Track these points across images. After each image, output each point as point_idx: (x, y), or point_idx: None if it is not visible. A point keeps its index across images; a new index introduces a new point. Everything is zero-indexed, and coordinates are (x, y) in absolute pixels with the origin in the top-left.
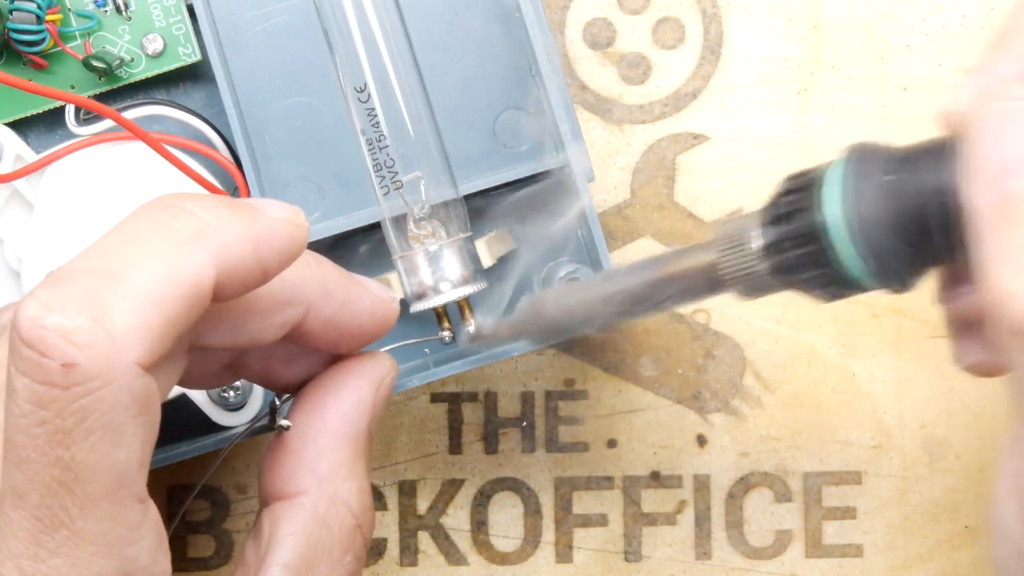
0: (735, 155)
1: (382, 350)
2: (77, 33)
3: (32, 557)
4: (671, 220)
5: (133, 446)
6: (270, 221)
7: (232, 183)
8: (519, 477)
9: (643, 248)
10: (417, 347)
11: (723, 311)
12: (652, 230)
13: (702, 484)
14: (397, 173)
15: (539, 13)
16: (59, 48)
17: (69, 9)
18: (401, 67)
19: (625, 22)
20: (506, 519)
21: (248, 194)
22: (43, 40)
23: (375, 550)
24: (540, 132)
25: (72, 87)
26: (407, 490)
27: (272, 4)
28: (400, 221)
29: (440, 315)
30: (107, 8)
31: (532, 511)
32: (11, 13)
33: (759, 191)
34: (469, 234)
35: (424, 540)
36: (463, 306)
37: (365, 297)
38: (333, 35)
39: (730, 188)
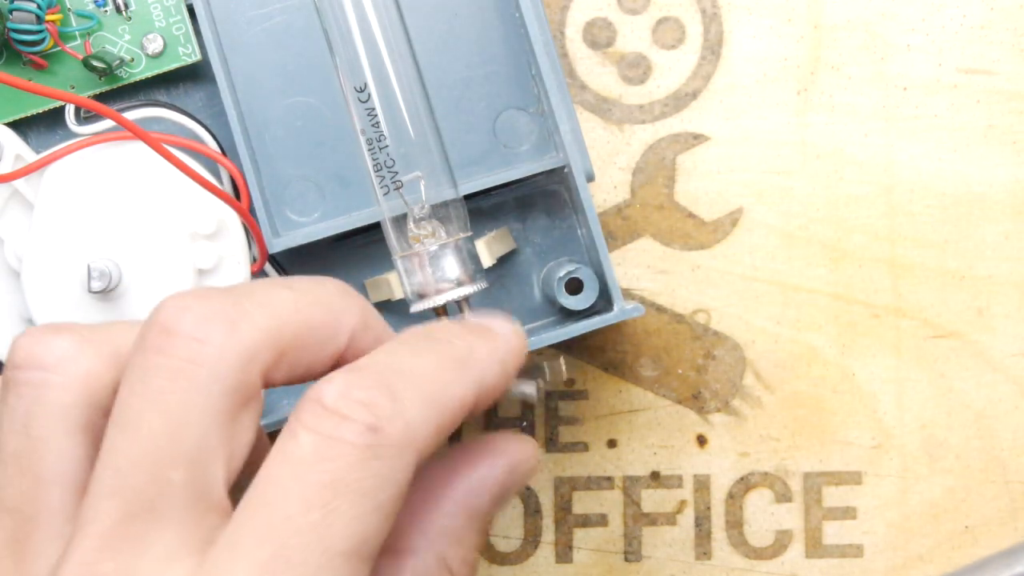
0: (735, 155)
1: None
2: (77, 33)
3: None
4: (671, 220)
5: (389, 519)
6: (507, 340)
7: (231, 183)
8: None
9: (643, 248)
10: None
11: (723, 311)
12: (652, 230)
13: (702, 484)
14: (397, 173)
15: (539, 13)
16: (59, 48)
17: (69, 9)
18: (401, 67)
19: (625, 22)
20: (506, 519)
21: (248, 195)
22: (43, 40)
23: None
24: (540, 132)
25: (72, 87)
26: None
27: (272, 4)
28: (400, 221)
29: (440, 315)
30: (107, 8)
31: (532, 511)
32: (11, 13)
33: (759, 191)
34: (469, 234)
35: None
36: (463, 306)
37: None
38: (333, 35)
39: (730, 188)
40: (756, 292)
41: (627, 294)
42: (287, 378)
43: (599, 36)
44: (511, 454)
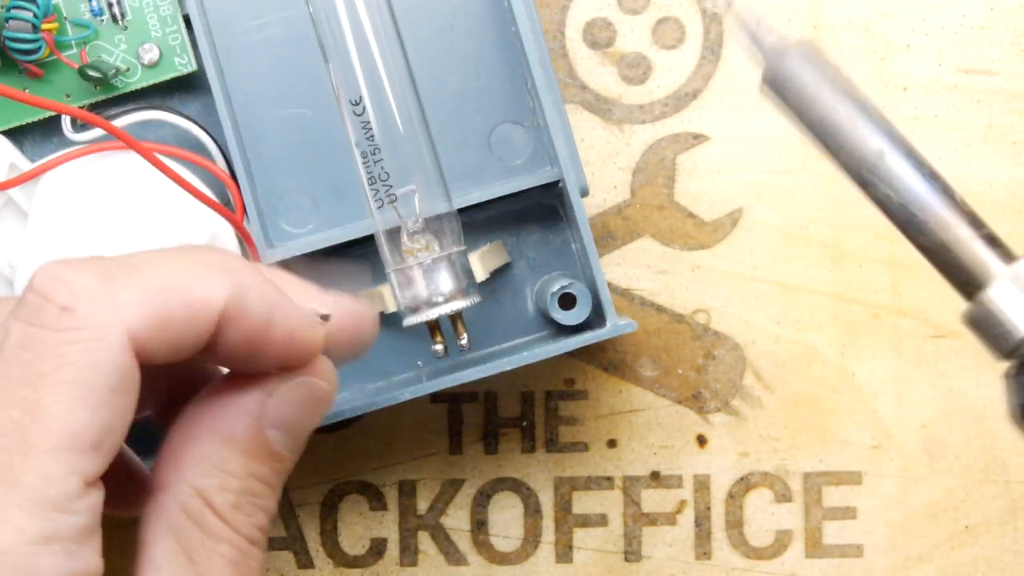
0: (735, 155)
1: None
2: (73, 42)
3: None
4: (671, 220)
5: (96, 416)
6: (291, 301)
7: (226, 193)
8: (519, 477)
9: (643, 248)
10: (409, 359)
11: (723, 311)
12: (652, 230)
13: (702, 484)
14: (391, 186)
15: (535, 26)
16: (55, 57)
17: (65, 18)
18: (396, 80)
19: (625, 22)
20: (506, 519)
21: (242, 205)
22: (39, 49)
23: (375, 550)
24: (535, 146)
25: (68, 96)
26: (407, 490)
27: (268, 15)
28: (394, 234)
29: (433, 329)
30: (103, 17)
31: (532, 511)
32: (7, 22)
33: (759, 191)
34: (463, 248)
35: (424, 540)
36: (456, 320)
37: (287, 305)
38: (329, 47)
39: (730, 188)
40: (756, 292)
41: (627, 294)
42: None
43: (599, 36)
44: (268, 381)
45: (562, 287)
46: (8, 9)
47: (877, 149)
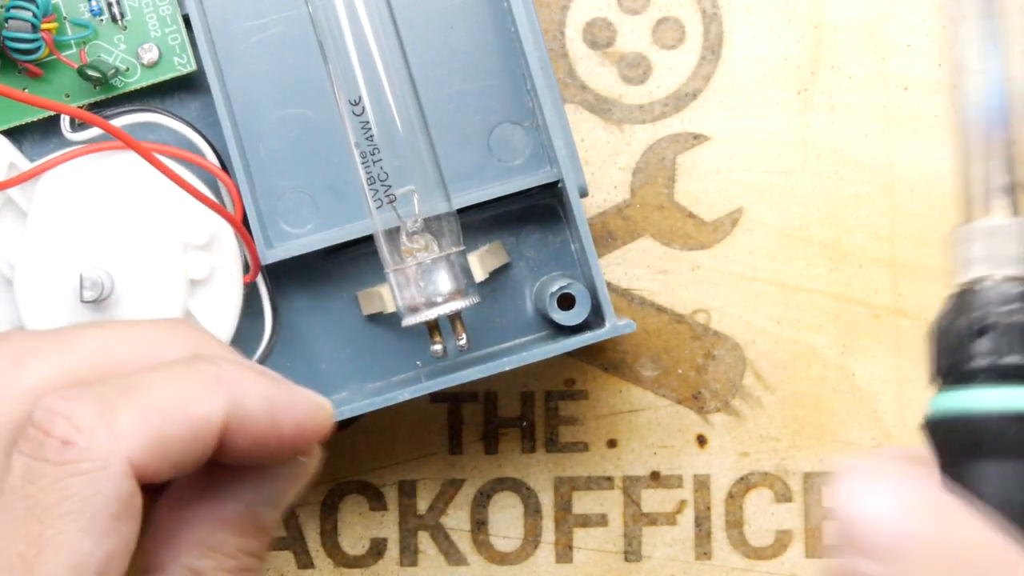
0: (735, 155)
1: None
2: (73, 42)
3: None
4: (671, 220)
5: (100, 545)
6: (292, 391)
7: (225, 194)
8: (519, 477)
9: (643, 248)
10: (408, 359)
11: (723, 311)
12: (652, 230)
13: (702, 484)
14: (391, 187)
15: (534, 27)
16: (54, 57)
17: (65, 17)
18: (396, 80)
19: (625, 22)
20: (506, 519)
21: (240, 205)
22: (38, 48)
23: (375, 550)
24: (535, 146)
25: (67, 96)
26: (407, 490)
27: (268, 15)
28: (393, 234)
29: (432, 329)
30: (103, 17)
31: (532, 511)
32: (7, 21)
33: (759, 191)
34: (462, 248)
35: (424, 540)
36: (455, 320)
37: (289, 394)
38: (328, 48)
39: (730, 188)
40: (756, 292)
41: (627, 294)
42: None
43: (599, 36)
44: (260, 474)
45: (561, 287)
46: (8, 9)
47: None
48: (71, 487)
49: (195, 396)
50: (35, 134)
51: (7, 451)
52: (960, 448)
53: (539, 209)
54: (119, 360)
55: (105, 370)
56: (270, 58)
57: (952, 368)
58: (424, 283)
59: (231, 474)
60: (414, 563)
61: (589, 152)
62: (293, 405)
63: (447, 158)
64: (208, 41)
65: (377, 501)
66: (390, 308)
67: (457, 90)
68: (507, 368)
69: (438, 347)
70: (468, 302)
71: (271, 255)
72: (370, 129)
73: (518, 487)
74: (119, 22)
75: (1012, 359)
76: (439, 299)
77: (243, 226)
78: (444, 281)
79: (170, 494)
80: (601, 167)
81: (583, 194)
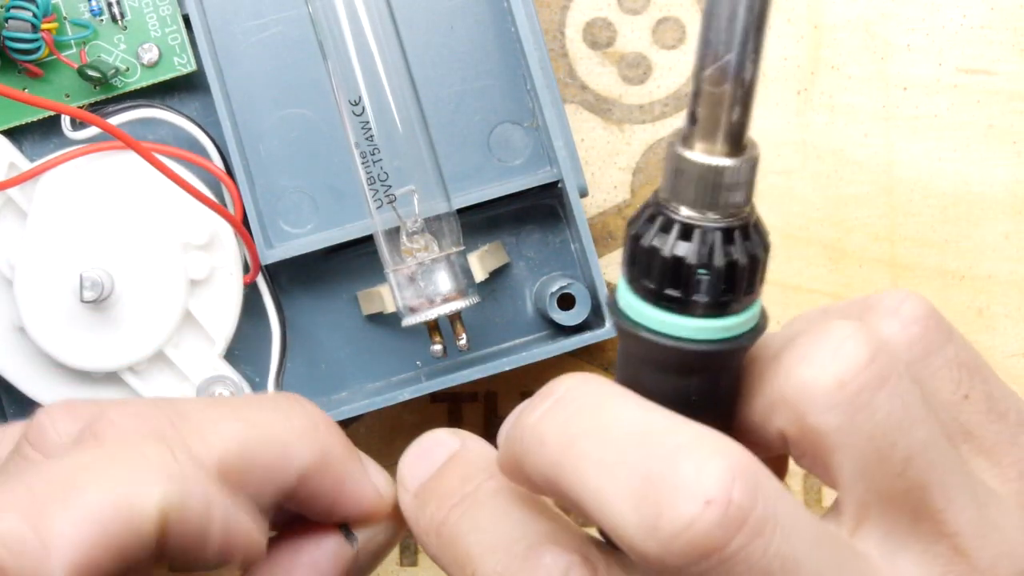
0: None
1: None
2: (73, 42)
3: None
4: None
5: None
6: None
7: (225, 194)
8: None
9: None
10: (409, 359)
11: None
12: None
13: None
14: (391, 187)
15: (534, 27)
16: (54, 57)
17: (65, 18)
18: (396, 81)
19: (625, 22)
20: None
21: (240, 205)
22: (38, 48)
23: None
24: (535, 146)
25: (67, 96)
26: None
27: (268, 15)
28: (393, 234)
29: (432, 329)
30: (103, 17)
31: None
32: (7, 21)
33: (759, 191)
34: (462, 248)
35: None
36: (455, 320)
37: (364, 482)
38: (328, 48)
39: None
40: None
41: None
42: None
43: (599, 36)
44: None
45: (561, 287)
46: (7, 9)
47: None
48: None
49: (133, 488)
50: (35, 134)
51: None
52: (627, 346)
53: (539, 209)
54: (258, 462)
55: (248, 473)
56: (270, 58)
57: (635, 276)
58: (424, 283)
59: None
60: (414, 563)
61: (589, 152)
62: (361, 483)
63: (447, 158)
64: (208, 41)
65: None
66: (390, 308)
67: (457, 90)
68: (507, 368)
69: (438, 347)
70: (468, 302)
71: (271, 255)
72: (370, 129)
73: None
74: (119, 22)
75: (699, 293)
76: (439, 299)
77: (243, 226)
78: (444, 281)
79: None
80: (601, 167)
81: (583, 194)
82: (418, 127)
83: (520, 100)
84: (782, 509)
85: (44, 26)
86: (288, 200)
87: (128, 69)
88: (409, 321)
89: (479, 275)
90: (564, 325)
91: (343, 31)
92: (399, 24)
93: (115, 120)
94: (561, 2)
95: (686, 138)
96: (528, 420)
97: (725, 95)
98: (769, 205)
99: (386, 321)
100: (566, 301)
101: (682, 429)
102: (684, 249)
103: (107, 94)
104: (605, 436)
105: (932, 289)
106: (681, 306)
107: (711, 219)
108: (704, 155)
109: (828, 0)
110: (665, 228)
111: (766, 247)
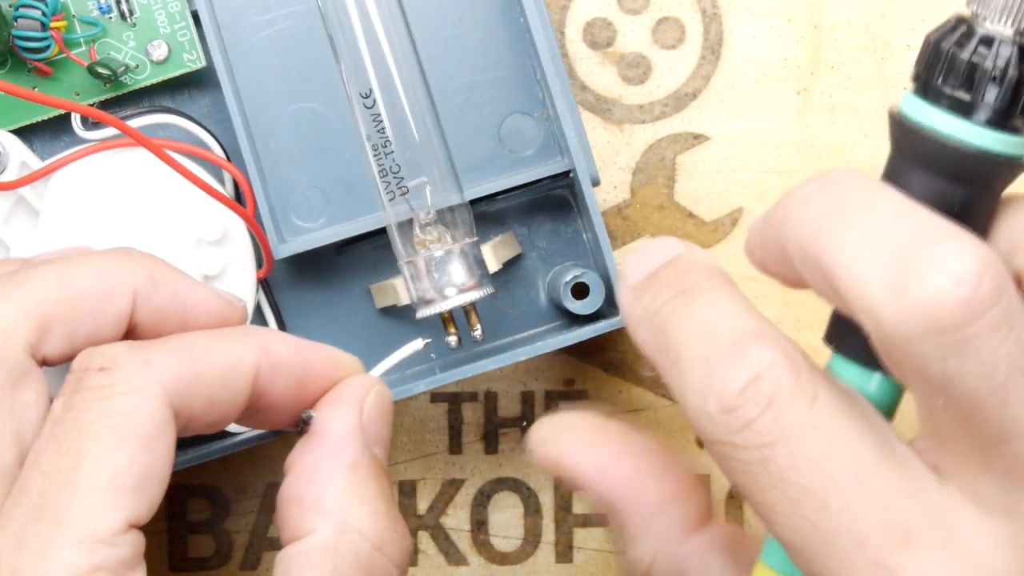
0: (735, 155)
1: (376, 371)
2: (82, 40)
3: (14, 549)
4: (671, 220)
5: (135, 460)
6: (315, 343)
7: (236, 189)
8: (519, 477)
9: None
10: (423, 351)
11: None
12: (652, 230)
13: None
14: (403, 179)
15: (544, 17)
16: (64, 55)
17: (74, 16)
18: (406, 73)
19: (625, 22)
20: (506, 519)
21: (253, 201)
22: (48, 47)
23: None
24: (545, 136)
25: (77, 94)
26: (407, 490)
27: (277, 10)
28: (405, 227)
29: (446, 320)
30: (112, 15)
31: (532, 511)
32: (16, 20)
33: (759, 191)
34: (475, 239)
35: (424, 540)
36: (469, 311)
37: (199, 290)
38: (338, 41)
39: (730, 188)
40: (756, 292)
41: None
42: (65, 350)
43: (599, 36)
44: (348, 395)
45: (575, 276)
46: (17, 8)
47: None
48: (107, 407)
49: (225, 340)
50: (46, 133)
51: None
52: (904, 149)
53: (551, 200)
54: (81, 290)
55: (74, 305)
56: (280, 53)
57: (928, 81)
58: (438, 275)
59: (340, 423)
60: (414, 563)
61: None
62: (320, 351)
63: (458, 150)
64: (217, 37)
65: None
66: (404, 300)
67: (467, 82)
68: (522, 359)
69: (453, 339)
70: (483, 293)
71: (284, 249)
72: (382, 122)
73: (518, 487)
74: (128, 19)
75: (987, 100)
76: (453, 290)
77: (255, 221)
78: (458, 272)
79: (294, 464)
80: (601, 167)
81: (595, 183)
82: (429, 119)
83: (530, 91)
84: (1019, 319)
85: (53, 24)
86: (300, 195)
87: (138, 66)
88: (424, 313)
89: (493, 266)
90: (578, 314)
91: (352, 24)
92: (408, 16)
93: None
94: (561, 2)
95: None
96: (798, 191)
97: None
98: (769, 205)
99: (400, 314)
100: (580, 290)
101: (944, 223)
102: (982, 56)
103: (117, 91)
104: (870, 211)
105: None
106: (968, 110)
107: (1011, 35)
108: None
109: (828, 0)
110: (967, 36)
111: None
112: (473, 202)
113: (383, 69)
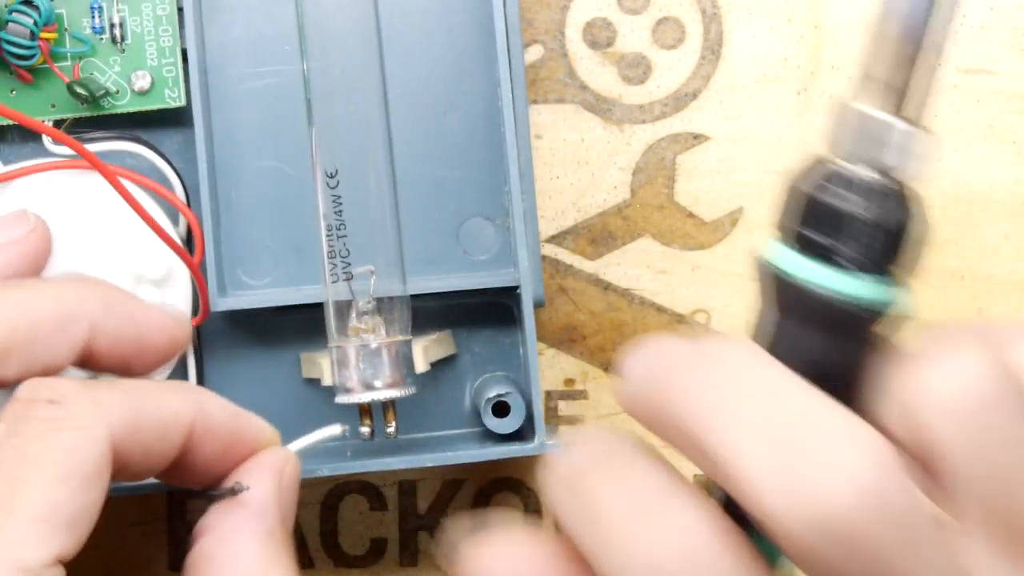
0: (735, 155)
1: (291, 448)
2: (69, 55)
3: None
4: (671, 220)
5: (73, 497)
6: (248, 416)
7: (188, 233)
8: (519, 477)
9: (643, 248)
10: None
11: (723, 311)
12: (652, 230)
13: (702, 484)
14: (350, 264)
15: (523, 131)
16: (47, 66)
17: (66, 29)
18: (377, 161)
19: (625, 22)
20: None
21: (202, 248)
22: (33, 56)
23: (375, 550)
24: (503, 245)
25: (53, 106)
26: (407, 490)
27: (266, 65)
28: (343, 309)
29: (363, 411)
30: (103, 36)
31: (532, 511)
32: (7, 24)
33: (759, 191)
34: (408, 338)
35: (424, 540)
36: (388, 407)
37: (152, 312)
38: (316, 113)
39: (730, 188)
40: (756, 292)
41: (627, 294)
42: (21, 374)
43: (599, 36)
44: (269, 465)
45: (498, 395)
46: (10, 12)
47: None
48: (53, 440)
49: (167, 393)
50: (15, 137)
51: None
52: (775, 298)
53: (495, 307)
54: (39, 317)
55: (29, 329)
56: (260, 107)
57: (794, 230)
58: (363, 366)
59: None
60: (414, 563)
61: (589, 152)
62: (250, 420)
63: (414, 241)
64: (202, 78)
65: (377, 501)
66: (327, 381)
67: (438, 175)
68: (428, 464)
69: (366, 430)
70: (403, 392)
71: (223, 303)
72: (341, 205)
73: (518, 487)
74: (118, 44)
75: (849, 250)
76: (376, 385)
77: (199, 269)
78: (383, 368)
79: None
80: (601, 167)
81: (539, 304)
82: (389, 210)
83: (498, 198)
84: (917, 518)
85: (43, 35)
86: (250, 250)
87: (118, 92)
88: (342, 400)
89: (420, 366)
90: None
91: (334, 102)
92: (392, 100)
93: (94, 148)
94: (561, 2)
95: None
96: (679, 357)
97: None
98: (769, 205)
99: (323, 388)
100: (500, 409)
101: (837, 411)
102: (844, 200)
103: (94, 112)
104: (755, 400)
105: (932, 289)
106: (831, 256)
107: (870, 177)
108: (867, 107)
109: (828, 0)
110: (829, 179)
111: (916, 220)
112: (417, 295)
113: (354, 155)
